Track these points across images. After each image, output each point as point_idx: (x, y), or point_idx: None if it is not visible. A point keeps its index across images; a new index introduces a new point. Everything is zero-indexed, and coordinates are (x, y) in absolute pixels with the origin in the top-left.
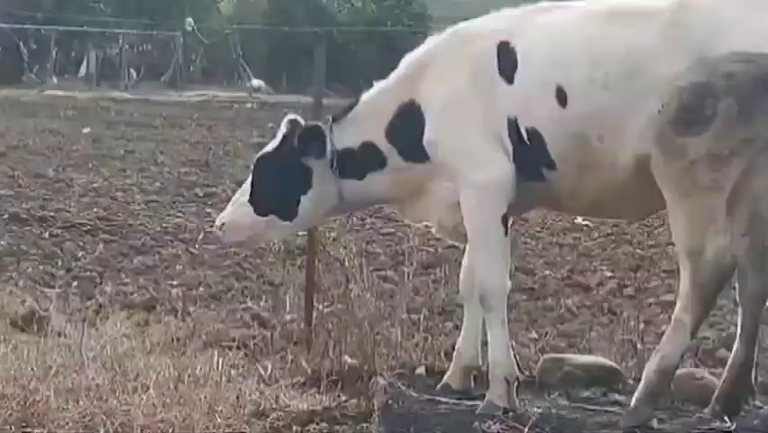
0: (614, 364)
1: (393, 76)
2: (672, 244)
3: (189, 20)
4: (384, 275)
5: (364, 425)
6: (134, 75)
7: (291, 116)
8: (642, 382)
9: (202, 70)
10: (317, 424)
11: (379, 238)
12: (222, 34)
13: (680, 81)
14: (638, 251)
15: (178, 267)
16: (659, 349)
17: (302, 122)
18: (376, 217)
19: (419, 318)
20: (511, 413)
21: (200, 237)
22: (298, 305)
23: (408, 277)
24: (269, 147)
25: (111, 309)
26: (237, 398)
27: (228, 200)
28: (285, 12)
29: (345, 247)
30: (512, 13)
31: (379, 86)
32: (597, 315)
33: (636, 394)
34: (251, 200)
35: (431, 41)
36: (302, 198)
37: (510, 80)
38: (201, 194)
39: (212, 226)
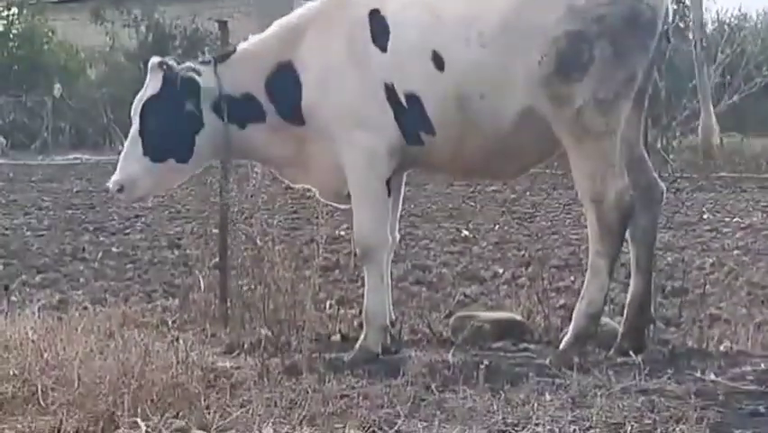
0: (521, 318)
1: (270, 34)
2: None
3: (58, 86)
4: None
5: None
6: (4, 142)
7: (157, 59)
8: (571, 327)
9: (72, 136)
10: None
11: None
12: (91, 99)
13: (554, 31)
14: None
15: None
16: (583, 295)
17: (173, 63)
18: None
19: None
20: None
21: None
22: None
23: (318, 253)
24: (150, 91)
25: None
26: (187, 363)
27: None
28: None
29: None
30: None
31: (258, 38)
32: None
33: (566, 338)
34: (146, 149)
35: (307, 7)
36: (196, 137)
37: (384, 48)
38: (91, 228)
39: (107, 192)
